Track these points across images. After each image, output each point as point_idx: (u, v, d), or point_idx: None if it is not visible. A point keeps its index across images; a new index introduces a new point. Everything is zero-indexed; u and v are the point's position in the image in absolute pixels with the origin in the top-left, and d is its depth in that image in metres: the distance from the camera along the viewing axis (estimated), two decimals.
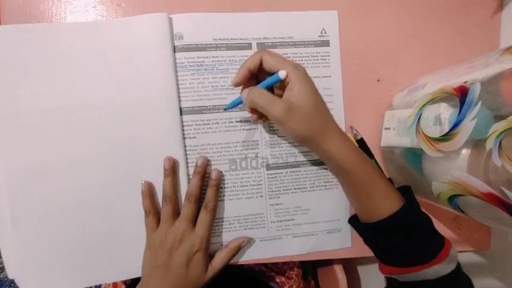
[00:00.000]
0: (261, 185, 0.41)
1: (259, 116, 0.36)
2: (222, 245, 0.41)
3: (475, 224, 0.44)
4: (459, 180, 0.28)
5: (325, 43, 0.42)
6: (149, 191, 0.38)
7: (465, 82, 0.30)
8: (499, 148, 0.25)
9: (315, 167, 0.42)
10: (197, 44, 0.39)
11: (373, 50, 0.43)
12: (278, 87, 0.34)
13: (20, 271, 0.38)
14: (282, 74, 0.31)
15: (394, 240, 0.32)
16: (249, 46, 0.41)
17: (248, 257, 0.41)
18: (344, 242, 0.43)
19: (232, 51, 0.40)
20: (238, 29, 0.40)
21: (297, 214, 0.42)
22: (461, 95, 0.29)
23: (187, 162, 0.39)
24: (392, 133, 0.39)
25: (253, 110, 0.35)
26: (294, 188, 0.42)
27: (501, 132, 0.25)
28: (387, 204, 0.32)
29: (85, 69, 0.38)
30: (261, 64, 0.33)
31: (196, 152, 0.39)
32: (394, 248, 0.32)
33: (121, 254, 0.39)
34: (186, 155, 0.39)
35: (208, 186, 0.38)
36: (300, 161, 0.41)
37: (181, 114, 0.39)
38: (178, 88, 0.39)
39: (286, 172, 0.41)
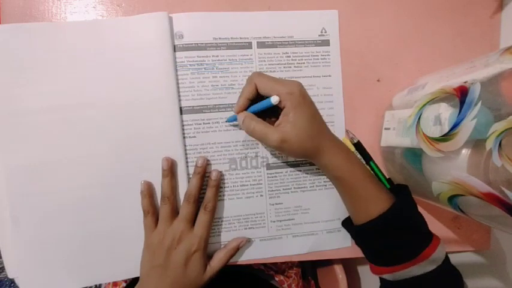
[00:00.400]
0: (261, 184, 0.41)
1: None
2: (221, 244, 0.41)
3: (475, 224, 0.44)
4: (459, 180, 0.28)
5: (326, 42, 0.42)
6: (148, 191, 0.38)
7: (465, 82, 0.30)
8: (499, 148, 0.25)
9: (314, 167, 0.42)
10: (197, 43, 0.39)
11: (373, 50, 0.43)
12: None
13: (20, 271, 0.38)
14: (274, 99, 0.32)
15: (381, 240, 0.32)
16: (249, 45, 0.41)
17: (248, 256, 0.41)
18: (344, 241, 0.43)
19: (232, 50, 0.40)
20: (239, 28, 0.40)
21: (297, 214, 0.42)
22: (461, 95, 0.29)
23: (187, 162, 0.39)
24: (392, 133, 0.39)
25: None
26: (294, 188, 0.42)
27: (501, 132, 0.25)
28: (376, 206, 0.32)
29: (85, 68, 0.38)
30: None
31: (196, 151, 0.39)
32: (382, 248, 0.33)
33: (121, 253, 0.39)
34: (186, 154, 0.39)
35: (208, 187, 0.38)
36: (300, 161, 0.41)
37: (181, 113, 0.39)
38: (178, 87, 0.39)
39: (286, 171, 0.41)
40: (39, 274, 0.38)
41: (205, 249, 0.37)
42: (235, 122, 0.39)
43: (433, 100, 0.32)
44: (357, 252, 0.39)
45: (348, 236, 0.41)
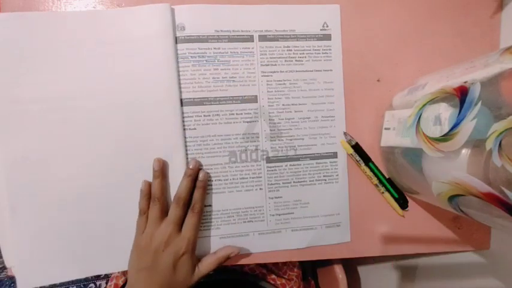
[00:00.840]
0: (261, 177, 0.41)
1: None
2: (219, 238, 0.41)
3: (475, 224, 0.44)
4: (459, 180, 0.28)
5: (327, 37, 0.42)
6: (148, 191, 0.38)
7: (465, 82, 0.30)
8: (499, 148, 0.25)
9: (314, 161, 0.42)
10: (199, 36, 0.40)
11: (373, 49, 0.43)
12: None
13: (17, 260, 0.38)
14: None
15: None
16: (250, 38, 0.41)
17: (247, 250, 0.41)
18: (343, 236, 0.43)
19: (233, 43, 0.40)
20: (240, 21, 0.40)
21: (297, 208, 0.42)
22: (461, 95, 0.29)
23: (187, 154, 0.39)
24: (392, 133, 0.39)
25: None
26: (294, 182, 0.42)
27: (501, 132, 0.25)
28: None
29: (85, 59, 0.38)
30: None
31: (196, 143, 0.40)
32: None
33: (120, 244, 0.38)
34: (186, 146, 0.39)
35: (196, 188, 0.38)
36: (300, 155, 0.42)
37: (181, 105, 0.39)
38: (179, 79, 0.39)
39: (286, 165, 0.41)
40: (36, 264, 0.38)
41: (194, 251, 0.37)
42: None
43: (433, 100, 0.32)
44: (357, 253, 0.39)
45: (347, 230, 0.41)
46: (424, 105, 0.33)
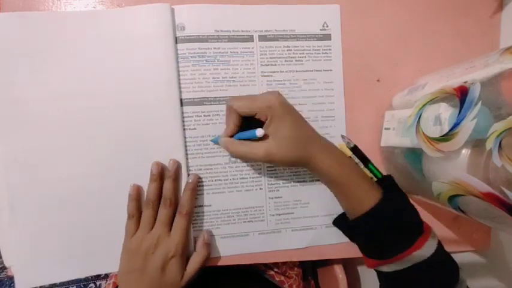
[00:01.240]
0: (261, 177, 0.41)
1: None
2: (220, 237, 0.41)
3: (475, 224, 0.44)
4: (459, 180, 0.28)
5: (327, 37, 0.42)
6: (137, 195, 0.38)
7: (465, 82, 0.30)
8: (499, 148, 0.25)
9: None
10: (199, 35, 0.40)
11: (373, 49, 0.43)
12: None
13: (17, 260, 0.38)
14: (258, 133, 0.33)
15: (376, 232, 0.33)
16: (250, 38, 0.41)
17: (247, 250, 0.41)
18: (343, 236, 0.42)
19: (233, 43, 0.40)
20: (240, 21, 0.40)
21: (296, 208, 0.42)
22: (461, 95, 0.29)
23: (186, 154, 0.39)
24: (392, 133, 0.39)
25: None
26: (294, 182, 0.42)
27: (501, 132, 0.25)
28: (369, 201, 0.33)
29: (85, 58, 0.38)
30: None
31: (196, 143, 0.40)
32: (377, 240, 0.33)
33: (119, 244, 0.38)
34: (186, 146, 0.39)
35: (184, 190, 0.38)
36: None
37: (181, 105, 0.39)
38: (179, 79, 0.39)
39: None
40: (35, 263, 0.38)
41: (183, 254, 0.37)
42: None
43: (433, 100, 0.32)
44: (357, 253, 0.39)
45: None
46: (424, 105, 0.33)
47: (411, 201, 0.34)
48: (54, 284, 0.74)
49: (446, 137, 0.29)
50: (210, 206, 0.40)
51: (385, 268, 0.33)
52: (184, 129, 0.39)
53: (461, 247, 0.44)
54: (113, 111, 0.38)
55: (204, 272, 0.39)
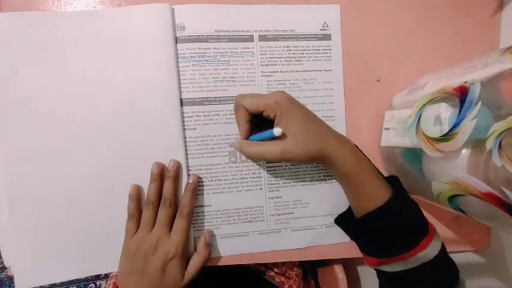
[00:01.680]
0: (261, 177, 0.41)
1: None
2: (221, 237, 0.41)
3: (475, 224, 0.44)
4: (459, 180, 0.28)
5: (327, 37, 0.42)
6: (137, 195, 0.38)
7: (465, 82, 0.30)
8: (499, 148, 0.25)
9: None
10: (199, 36, 0.40)
11: (373, 49, 0.43)
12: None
13: (17, 259, 0.38)
14: (276, 132, 0.33)
15: (384, 229, 0.33)
16: (250, 38, 0.41)
17: (247, 250, 0.41)
18: (343, 236, 0.42)
19: (233, 43, 0.40)
20: (240, 21, 0.40)
21: (297, 207, 0.42)
22: (461, 95, 0.29)
23: (186, 154, 0.39)
24: (392, 133, 0.39)
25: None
26: (294, 182, 0.42)
27: (501, 132, 0.25)
28: (379, 198, 0.33)
29: (85, 58, 0.38)
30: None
31: (196, 143, 0.40)
32: (384, 238, 0.33)
33: (119, 244, 0.38)
34: (185, 146, 0.39)
35: (185, 191, 0.38)
36: None
37: (181, 105, 0.39)
38: (179, 79, 0.39)
39: (286, 165, 0.41)
40: (35, 263, 0.38)
41: (183, 255, 0.37)
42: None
43: (433, 100, 0.32)
44: (357, 253, 0.39)
45: None
46: (424, 105, 0.33)
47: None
48: (54, 284, 0.74)
49: (446, 137, 0.29)
50: (210, 206, 0.40)
51: (388, 268, 0.33)
52: (184, 129, 0.39)
53: (461, 247, 0.44)
54: (113, 112, 0.38)
55: (204, 272, 0.39)
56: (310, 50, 0.42)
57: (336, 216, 0.41)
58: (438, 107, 0.31)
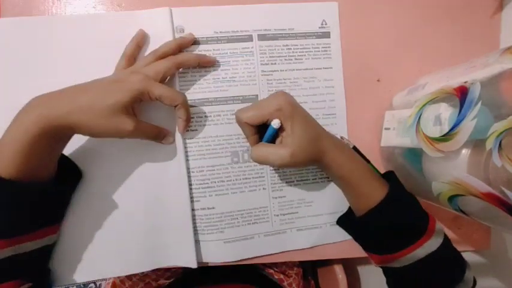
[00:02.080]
0: (264, 177, 0.41)
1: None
2: (223, 241, 0.40)
3: (475, 224, 0.44)
4: (459, 180, 0.28)
5: (326, 34, 0.42)
6: (141, 40, 0.37)
7: (465, 82, 0.30)
8: (499, 148, 0.25)
9: None
10: (198, 37, 0.40)
11: (373, 50, 0.43)
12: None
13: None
14: (275, 124, 0.33)
15: (386, 225, 0.33)
16: (249, 38, 0.41)
17: (254, 253, 0.41)
18: (347, 234, 0.42)
19: (233, 43, 0.40)
20: (239, 22, 0.40)
21: (301, 207, 0.42)
22: (461, 95, 0.29)
23: (187, 155, 0.39)
24: (392, 133, 0.39)
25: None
26: (297, 180, 0.42)
27: (501, 132, 0.25)
28: (377, 196, 0.33)
29: (85, 63, 0.38)
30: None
31: (198, 144, 0.39)
32: (387, 233, 0.33)
33: (126, 248, 0.38)
34: (186, 147, 0.39)
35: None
36: None
37: None
38: (179, 80, 0.39)
39: None
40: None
41: (152, 84, 0.33)
42: None
43: (433, 100, 0.32)
44: (357, 252, 0.39)
45: None
46: (424, 105, 0.33)
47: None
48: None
49: (446, 137, 0.29)
50: (214, 208, 0.40)
51: (391, 265, 0.33)
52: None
53: (461, 247, 0.44)
54: None
55: (203, 269, 0.39)
56: (309, 48, 0.42)
57: (339, 214, 0.41)
58: (438, 107, 0.31)
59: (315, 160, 0.34)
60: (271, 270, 0.51)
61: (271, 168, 0.41)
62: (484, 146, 0.26)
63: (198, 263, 0.39)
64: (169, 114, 0.38)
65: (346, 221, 0.39)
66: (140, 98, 0.33)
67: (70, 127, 0.30)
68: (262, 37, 0.41)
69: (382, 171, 0.38)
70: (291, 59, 0.41)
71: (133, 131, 0.32)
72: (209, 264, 0.40)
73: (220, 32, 0.40)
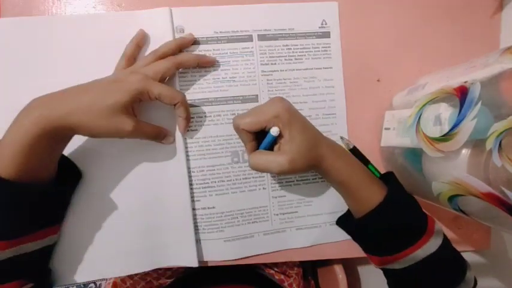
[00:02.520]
0: (264, 177, 0.41)
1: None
2: (224, 240, 0.40)
3: (475, 224, 0.44)
4: (459, 180, 0.28)
5: (326, 34, 0.42)
6: (141, 40, 0.37)
7: (465, 82, 0.30)
8: (499, 148, 0.25)
9: None
10: (198, 37, 0.40)
11: (373, 50, 0.43)
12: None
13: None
14: (274, 131, 0.33)
15: (385, 226, 0.33)
16: (249, 38, 0.41)
17: (253, 252, 0.41)
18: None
19: (233, 43, 0.40)
20: (239, 22, 0.41)
21: (300, 206, 0.42)
22: (461, 95, 0.29)
23: (187, 155, 0.39)
24: (392, 133, 0.39)
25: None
26: (297, 180, 0.42)
27: (501, 132, 0.25)
28: (376, 199, 0.33)
29: (86, 63, 0.38)
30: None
31: (198, 144, 0.39)
32: (387, 235, 0.33)
33: (127, 247, 0.38)
34: (186, 147, 0.39)
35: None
36: None
37: None
38: (179, 80, 0.39)
39: None
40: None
41: (151, 84, 0.33)
42: None
43: (433, 100, 0.32)
44: (357, 252, 0.39)
45: None
46: (424, 105, 0.33)
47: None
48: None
49: (446, 137, 0.29)
50: (214, 208, 0.40)
51: (390, 266, 0.33)
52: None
53: (461, 247, 0.44)
54: None
55: (204, 269, 0.39)
56: (309, 48, 0.42)
57: (339, 214, 0.41)
58: (438, 107, 0.31)
59: (313, 166, 0.34)
60: (272, 271, 0.51)
61: None
62: (484, 146, 0.26)
63: (198, 262, 0.39)
64: (169, 114, 0.38)
65: (345, 222, 0.39)
66: (140, 98, 0.33)
67: (70, 128, 0.30)
68: (262, 37, 0.41)
69: (382, 171, 0.38)
70: (291, 59, 0.41)
71: (133, 131, 0.32)
72: (209, 264, 0.40)
73: (220, 32, 0.40)
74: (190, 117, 0.38)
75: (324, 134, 0.37)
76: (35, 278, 0.33)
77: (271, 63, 0.41)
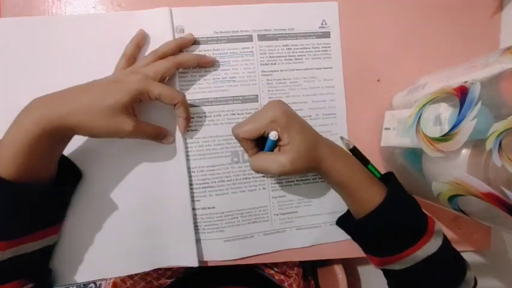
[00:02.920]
0: (264, 177, 0.41)
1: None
2: (224, 240, 0.40)
3: (475, 224, 0.44)
4: (459, 180, 0.28)
5: (326, 34, 0.42)
6: (141, 40, 0.37)
7: (465, 82, 0.30)
8: (499, 148, 0.25)
9: None
10: (198, 37, 0.40)
11: (373, 49, 0.43)
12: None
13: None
14: (272, 136, 0.33)
15: (386, 227, 0.33)
16: (249, 38, 0.41)
17: (252, 252, 0.41)
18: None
19: (233, 43, 0.40)
20: (239, 22, 0.41)
21: (300, 206, 0.42)
22: (461, 95, 0.29)
23: (187, 155, 0.39)
24: (392, 133, 0.39)
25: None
26: (297, 180, 0.42)
27: (501, 132, 0.25)
28: (376, 200, 0.33)
29: (85, 63, 0.38)
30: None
31: (198, 144, 0.39)
32: (387, 235, 0.33)
33: (127, 247, 0.38)
34: (186, 147, 0.39)
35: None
36: None
37: None
38: (179, 81, 0.39)
39: None
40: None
41: (151, 84, 0.33)
42: None
43: (433, 100, 0.32)
44: (357, 252, 0.39)
45: None
46: (424, 105, 0.33)
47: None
48: None
49: (446, 137, 0.29)
50: (214, 208, 0.40)
51: (390, 267, 0.33)
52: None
53: (461, 247, 0.44)
54: None
55: (204, 270, 0.39)
56: (309, 48, 0.42)
57: (339, 214, 0.41)
58: (438, 107, 0.31)
59: (313, 167, 0.34)
60: (272, 271, 0.51)
61: None
62: (484, 146, 0.26)
63: (199, 262, 0.39)
64: (169, 114, 0.38)
65: (345, 222, 0.39)
66: (140, 98, 0.33)
67: (70, 128, 0.30)
68: (262, 37, 0.41)
69: (382, 171, 0.38)
70: (291, 59, 0.41)
71: (133, 131, 0.32)
72: (209, 264, 0.40)
73: (220, 32, 0.40)
74: (190, 117, 0.38)
75: (324, 134, 0.37)
76: (35, 278, 0.33)
77: (271, 63, 0.41)
